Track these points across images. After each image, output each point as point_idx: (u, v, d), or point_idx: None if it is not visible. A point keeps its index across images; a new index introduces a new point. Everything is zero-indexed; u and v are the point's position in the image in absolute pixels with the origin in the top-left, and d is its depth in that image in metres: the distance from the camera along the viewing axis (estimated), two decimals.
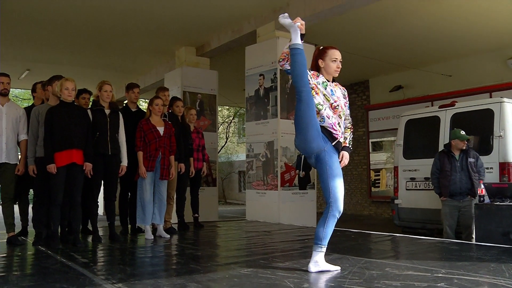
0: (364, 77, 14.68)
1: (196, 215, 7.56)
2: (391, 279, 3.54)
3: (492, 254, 4.76)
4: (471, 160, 6.34)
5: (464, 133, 6.36)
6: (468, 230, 6.34)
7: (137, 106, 6.96)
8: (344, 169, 13.05)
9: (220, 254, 5.41)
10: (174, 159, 6.52)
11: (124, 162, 6.01)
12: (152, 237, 6.14)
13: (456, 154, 6.43)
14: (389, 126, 13.04)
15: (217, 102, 11.29)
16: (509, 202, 5.59)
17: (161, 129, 6.26)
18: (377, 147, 15.02)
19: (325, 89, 3.92)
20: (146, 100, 9.20)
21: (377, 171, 14.60)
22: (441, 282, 3.39)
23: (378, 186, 14.60)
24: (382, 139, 14.56)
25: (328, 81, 4.00)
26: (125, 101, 6.72)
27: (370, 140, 14.82)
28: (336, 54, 3.98)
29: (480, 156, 6.48)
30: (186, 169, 6.97)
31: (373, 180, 14.77)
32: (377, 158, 14.73)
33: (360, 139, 15.07)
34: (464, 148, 6.40)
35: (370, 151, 14.92)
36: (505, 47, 11.16)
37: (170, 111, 7.01)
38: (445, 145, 6.69)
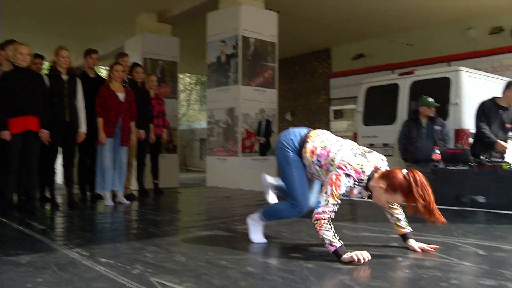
0: (326, 46, 14.75)
1: (156, 181, 7.55)
2: (347, 240, 3.61)
3: (444, 215, 4.87)
4: (437, 127, 6.44)
5: (432, 100, 6.45)
6: None
7: (96, 72, 6.83)
8: None
9: (180, 219, 5.45)
10: (134, 125, 6.47)
11: (83, 128, 5.91)
12: (112, 204, 6.11)
13: (423, 121, 6.51)
14: (351, 94, 13.14)
15: (179, 70, 11.18)
16: (462, 167, 5.77)
17: (121, 95, 6.18)
18: (339, 115, 15.20)
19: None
20: (107, 68, 9.04)
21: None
22: (394, 242, 3.51)
23: None
24: (343, 107, 14.72)
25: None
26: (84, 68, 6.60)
27: (332, 108, 14.97)
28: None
29: (446, 123, 6.61)
30: (146, 136, 6.93)
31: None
32: (338, 126, 14.88)
33: (321, 107, 15.21)
34: (432, 115, 6.49)
35: (332, 119, 15.08)
36: (464, 18, 11.37)
37: (130, 77, 6.92)
38: (413, 112, 6.77)
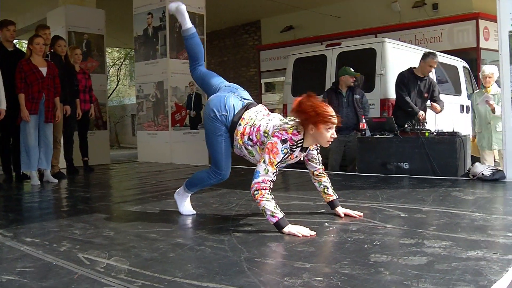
0: (256, 18, 14.75)
1: (86, 158, 7.37)
2: None
3: (370, 182, 5.12)
4: (356, 96, 6.60)
5: (353, 70, 6.60)
6: (353, 162, 6.70)
7: (15, 45, 6.52)
8: None
9: (110, 195, 5.37)
10: (59, 101, 6.24)
11: (2, 105, 5.61)
12: (39, 183, 5.90)
13: (343, 91, 6.65)
14: (280, 66, 13.28)
15: (106, 43, 10.83)
16: (388, 135, 5.97)
17: (43, 70, 5.92)
18: (270, 87, 15.31)
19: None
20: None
21: (271, 111, 14.83)
22: (322, 209, 3.62)
23: None
24: (273, 79, 14.83)
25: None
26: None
27: (262, 81, 15.06)
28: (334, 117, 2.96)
29: (365, 93, 6.80)
30: (72, 111, 6.72)
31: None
32: (270, 99, 15.02)
33: (252, 80, 15.26)
34: (352, 85, 6.65)
35: (263, 91, 15.19)
36: None
37: (52, 51, 6.65)
38: (333, 83, 6.92)
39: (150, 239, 2.87)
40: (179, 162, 8.09)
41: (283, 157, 2.96)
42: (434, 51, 6.61)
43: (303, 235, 2.80)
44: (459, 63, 9.29)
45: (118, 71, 25.39)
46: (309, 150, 3.23)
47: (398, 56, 7.21)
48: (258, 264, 2.29)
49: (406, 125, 6.05)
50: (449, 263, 2.21)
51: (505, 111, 4.98)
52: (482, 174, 4.98)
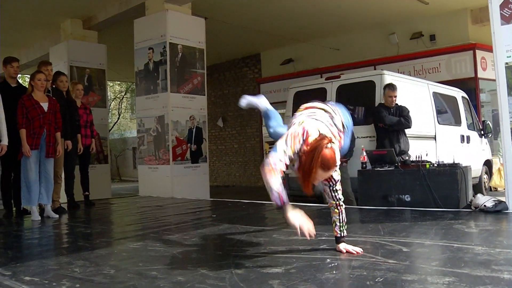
0: (256, 51, 14.90)
1: (87, 193, 7.36)
2: (277, 244, 3.71)
3: (372, 216, 5.10)
4: None
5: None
6: (345, 194, 6.70)
7: (18, 81, 6.58)
8: (237, 142, 13.32)
9: (111, 231, 5.35)
10: (60, 136, 6.27)
11: (4, 141, 5.63)
12: (40, 218, 5.87)
13: None
14: (281, 98, 13.33)
15: (107, 77, 10.95)
16: (388, 167, 5.98)
17: (45, 105, 5.97)
18: None
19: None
20: None
21: (272, 143, 14.86)
22: (323, 244, 3.60)
23: None
24: None
25: None
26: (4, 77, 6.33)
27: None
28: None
29: (359, 125, 6.84)
30: (73, 146, 6.74)
31: (268, 152, 15.10)
32: None
33: (252, 112, 15.33)
34: None
35: (263, 123, 15.24)
36: (387, 23, 11.84)
37: (54, 86, 6.71)
38: None
39: (151, 277, 2.84)
40: (180, 196, 8.07)
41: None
42: (392, 83, 6.90)
43: (306, 233, 2.81)
44: (458, 93, 9.34)
45: (119, 105, 25.55)
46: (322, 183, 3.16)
47: (397, 88, 7.26)
48: None
49: (407, 158, 6.07)
50: None
51: (505, 142, 4.99)
52: (485, 205, 4.95)
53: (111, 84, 24.02)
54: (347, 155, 6.46)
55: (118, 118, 25.32)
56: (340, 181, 3.22)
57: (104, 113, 10.55)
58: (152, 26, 8.85)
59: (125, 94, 25.17)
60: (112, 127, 24.52)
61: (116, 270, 3.07)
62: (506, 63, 4.98)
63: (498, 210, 4.85)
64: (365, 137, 6.87)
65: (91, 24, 10.60)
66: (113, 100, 25.41)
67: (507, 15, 4.96)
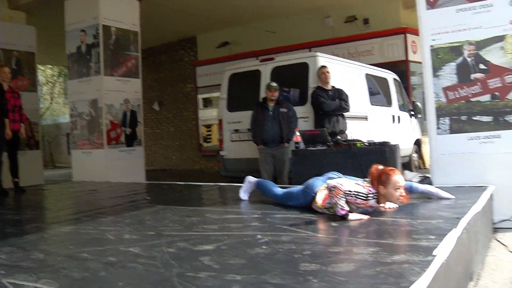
0: (192, 34, 14.75)
1: (16, 179, 7.11)
2: (209, 223, 3.74)
3: None
4: (282, 110, 6.77)
5: (275, 84, 6.77)
6: (282, 174, 6.83)
7: None
8: (174, 125, 13.21)
9: (42, 216, 5.21)
10: None
11: None
12: None
13: (270, 105, 6.81)
14: (217, 81, 13.30)
15: (37, 61, 10.55)
16: (321, 147, 6.10)
17: None
18: (208, 103, 15.32)
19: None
20: None
21: (209, 126, 14.93)
22: (255, 222, 3.66)
23: (210, 141, 14.96)
24: (211, 95, 14.85)
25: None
26: None
27: (199, 96, 15.08)
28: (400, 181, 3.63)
29: (293, 107, 6.93)
30: (0, 131, 6.50)
31: (205, 136, 15.10)
32: (208, 114, 15.02)
33: (188, 95, 15.27)
34: (274, 98, 6.79)
35: (201, 107, 15.20)
36: (323, 6, 11.98)
37: None
38: (263, 98, 7.06)
39: (82, 259, 2.81)
40: (115, 180, 7.94)
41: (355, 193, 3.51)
42: (324, 65, 7.10)
43: (364, 219, 3.47)
44: (390, 76, 9.63)
45: (52, 89, 24.74)
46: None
47: (331, 70, 7.39)
48: (189, 279, 2.29)
49: (339, 137, 6.23)
50: (375, 268, 2.29)
51: (430, 120, 5.20)
52: (411, 181, 5.16)
53: (43, 68, 23.21)
54: (290, 136, 6.58)
55: (51, 103, 24.52)
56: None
57: (35, 97, 10.17)
58: (84, 8, 8.59)
59: (58, 78, 24.37)
60: (45, 112, 23.77)
61: (45, 255, 3.01)
62: (431, 46, 5.17)
63: None
64: (299, 117, 6.96)
65: (17, 4, 10.14)
66: (45, 85, 24.57)
67: (432, 0, 5.14)
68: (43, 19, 10.89)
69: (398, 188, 3.57)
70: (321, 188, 3.86)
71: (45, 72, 24.15)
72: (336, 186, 3.46)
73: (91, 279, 2.41)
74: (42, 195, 7.13)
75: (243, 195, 4.74)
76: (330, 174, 4.12)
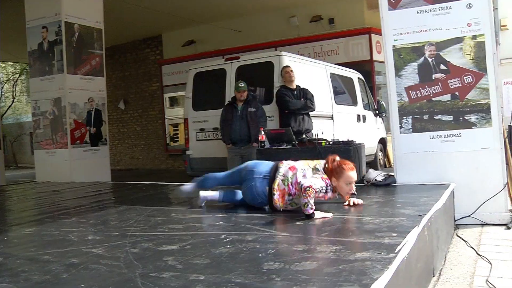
0: (157, 32, 14.66)
1: None
2: (174, 223, 3.72)
3: None
4: (251, 109, 6.78)
5: (242, 84, 6.76)
6: None
7: None
8: (139, 124, 13.08)
9: (2, 218, 5.05)
10: None
11: None
12: None
13: (239, 105, 6.83)
14: (183, 80, 13.25)
15: None
16: (286, 146, 6.13)
17: None
18: (175, 102, 15.23)
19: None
20: None
21: (176, 125, 14.85)
22: (220, 221, 3.66)
23: (177, 141, 14.87)
24: (177, 94, 14.77)
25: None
26: None
27: (165, 95, 14.99)
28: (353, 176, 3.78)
29: (262, 106, 6.95)
30: None
31: (172, 135, 15.01)
32: (175, 113, 14.95)
33: (154, 94, 15.14)
34: (243, 98, 6.81)
35: (167, 106, 15.10)
36: (288, 6, 12.09)
37: None
38: (232, 97, 7.05)
39: (43, 261, 2.76)
40: (80, 180, 7.83)
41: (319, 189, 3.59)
42: (287, 65, 7.10)
43: (328, 217, 3.53)
44: (355, 75, 9.74)
45: (13, 87, 24.18)
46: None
47: (296, 69, 7.43)
48: (152, 279, 2.28)
49: (304, 136, 6.27)
50: (337, 265, 2.31)
51: (393, 119, 5.29)
52: (375, 179, 5.24)
53: (3, 65, 22.67)
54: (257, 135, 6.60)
55: (13, 102, 23.97)
56: None
57: None
58: (45, 4, 8.44)
59: (19, 76, 23.82)
60: (6, 111, 23.24)
61: (4, 258, 2.95)
62: (393, 46, 5.25)
63: (387, 184, 5.15)
64: None
65: None
66: (6, 83, 24.01)
67: (394, 2, 5.22)
68: (2, 13, 10.62)
69: (350, 183, 3.75)
70: (275, 186, 3.84)
71: (6, 70, 23.59)
72: (311, 186, 3.50)
73: (52, 281, 2.37)
74: (4, 196, 6.97)
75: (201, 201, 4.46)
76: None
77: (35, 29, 8.63)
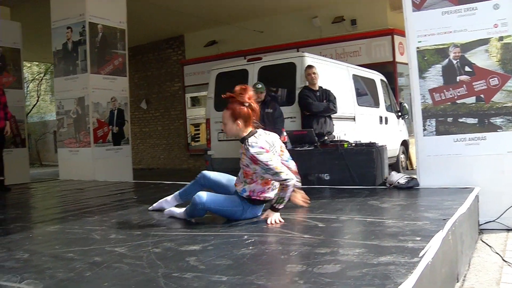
0: (179, 32, 14.73)
1: (2, 178, 7.06)
2: (196, 224, 3.72)
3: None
4: (268, 110, 6.76)
5: (260, 86, 6.75)
6: None
7: None
8: (161, 124, 13.14)
9: (27, 215, 5.16)
10: None
11: None
12: None
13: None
14: (205, 80, 13.28)
15: (22, 57, 10.45)
16: (308, 147, 6.12)
17: None
18: (196, 102, 15.29)
19: None
20: None
21: (197, 125, 14.90)
22: (242, 222, 3.66)
23: (198, 140, 14.92)
24: (199, 94, 14.83)
25: None
26: None
27: (187, 95, 15.05)
28: None
29: (279, 107, 6.93)
30: None
31: (193, 134, 15.07)
32: (196, 113, 15.00)
33: (176, 94, 15.22)
34: (260, 99, 6.77)
35: (189, 106, 15.17)
36: (310, 7, 12.04)
37: None
38: None
39: (67, 259, 2.79)
40: (102, 179, 7.91)
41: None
42: (311, 64, 7.05)
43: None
44: (377, 76, 9.67)
45: (38, 86, 24.52)
46: None
47: (318, 70, 7.40)
48: (175, 280, 2.28)
49: (326, 138, 6.25)
50: (361, 269, 2.30)
51: (416, 122, 5.23)
52: (398, 182, 5.19)
53: (29, 65, 23.00)
54: None
55: (38, 101, 24.31)
56: None
57: (21, 94, 10.09)
58: (70, 5, 8.54)
59: (44, 75, 24.14)
60: (31, 109, 23.56)
61: (30, 254, 2.99)
62: (417, 48, 5.20)
63: (410, 187, 5.10)
64: (286, 118, 6.96)
65: None
66: (31, 82, 24.36)
67: (418, 3, 5.17)
68: (29, 14, 10.80)
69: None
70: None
71: (31, 69, 23.92)
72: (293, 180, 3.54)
73: (76, 279, 2.40)
74: (28, 194, 7.08)
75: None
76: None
77: (59, 29, 8.75)
